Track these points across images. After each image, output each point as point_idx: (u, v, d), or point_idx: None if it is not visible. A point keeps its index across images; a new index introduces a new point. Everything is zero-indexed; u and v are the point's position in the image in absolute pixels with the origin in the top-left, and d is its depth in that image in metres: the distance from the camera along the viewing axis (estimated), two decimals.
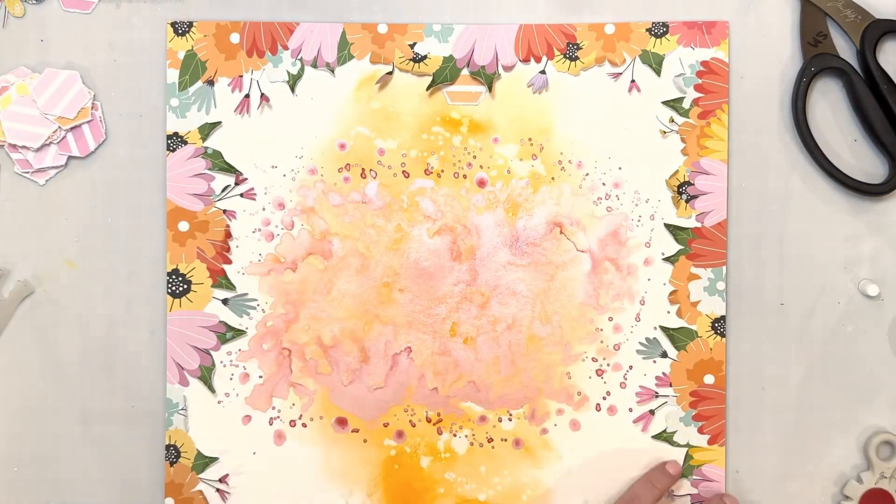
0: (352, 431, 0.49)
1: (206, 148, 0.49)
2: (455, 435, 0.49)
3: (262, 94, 0.49)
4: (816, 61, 0.49)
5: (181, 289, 0.49)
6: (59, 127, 0.49)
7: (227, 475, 0.49)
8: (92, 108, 0.49)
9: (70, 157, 0.50)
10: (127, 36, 0.50)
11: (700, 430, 0.49)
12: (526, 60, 0.49)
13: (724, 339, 0.49)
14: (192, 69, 0.49)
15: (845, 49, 0.49)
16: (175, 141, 0.49)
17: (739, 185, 0.49)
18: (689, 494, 0.49)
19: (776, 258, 0.49)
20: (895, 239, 0.49)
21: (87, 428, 0.50)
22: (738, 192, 0.49)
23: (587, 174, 0.49)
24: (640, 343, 0.49)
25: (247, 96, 0.49)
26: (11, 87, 0.49)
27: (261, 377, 0.49)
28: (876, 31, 0.48)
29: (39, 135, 0.49)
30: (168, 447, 0.49)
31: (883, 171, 0.49)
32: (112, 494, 0.50)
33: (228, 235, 0.49)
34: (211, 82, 0.49)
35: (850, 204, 0.49)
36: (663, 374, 0.49)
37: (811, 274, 0.49)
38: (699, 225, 0.49)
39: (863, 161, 0.49)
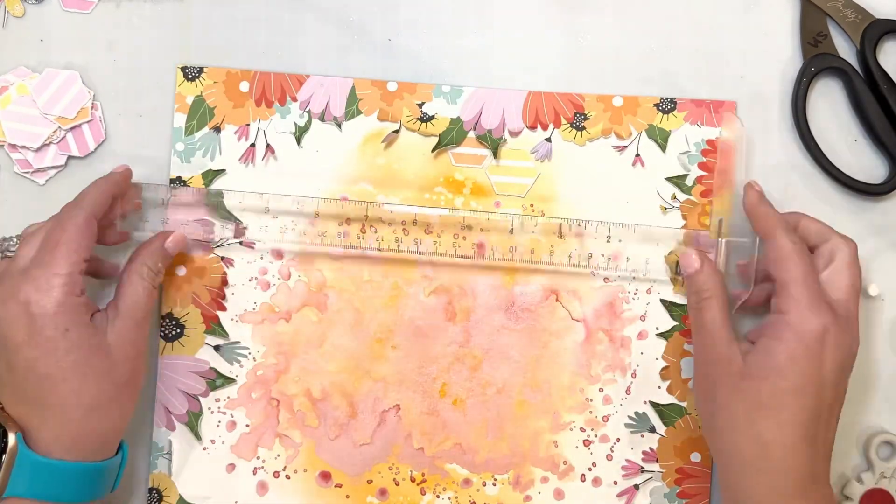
0: (335, 486, 0.49)
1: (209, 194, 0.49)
2: (438, 496, 0.49)
3: (268, 145, 0.49)
4: (816, 61, 0.49)
5: (174, 332, 0.49)
6: (59, 127, 0.49)
7: None
8: (92, 108, 0.49)
9: (70, 157, 0.50)
10: (127, 36, 0.50)
11: None
12: (533, 127, 0.49)
13: None
14: (199, 115, 0.49)
15: (845, 49, 0.49)
16: (177, 185, 0.49)
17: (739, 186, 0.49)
18: None
19: None
20: (895, 239, 0.49)
21: None
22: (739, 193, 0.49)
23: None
24: (629, 416, 0.49)
25: (252, 146, 0.50)
26: (11, 87, 0.49)
27: (247, 426, 0.49)
28: (876, 31, 0.49)
29: (39, 135, 0.49)
30: (151, 490, 0.49)
31: (883, 171, 0.49)
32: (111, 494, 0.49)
33: (225, 283, 0.49)
34: (217, 129, 0.50)
35: (850, 204, 0.49)
36: (650, 448, 0.49)
37: None
38: None
39: (863, 161, 0.49)
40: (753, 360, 0.42)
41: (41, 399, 0.41)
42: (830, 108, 0.50)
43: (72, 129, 0.49)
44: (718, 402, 0.43)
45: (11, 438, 0.40)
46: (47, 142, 0.49)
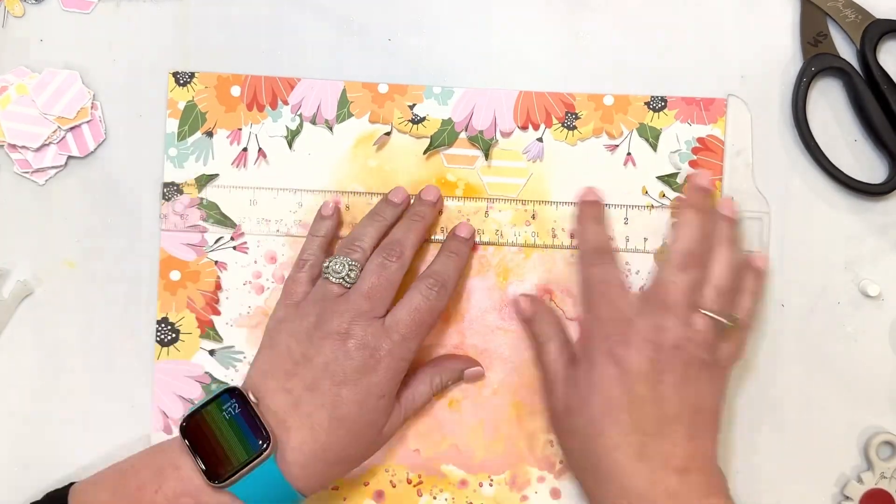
0: (332, 489, 0.49)
1: (203, 199, 0.50)
2: (435, 498, 0.49)
3: (260, 149, 0.50)
4: (816, 61, 0.49)
5: (169, 338, 0.49)
6: (59, 127, 0.49)
7: None
8: (91, 107, 0.50)
9: (70, 157, 0.50)
10: (127, 36, 0.50)
11: None
12: (524, 128, 0.49)
13: None
14: (191, 120, 0.50)
15: (845, 49, 0.49)
16: (171, 190, 0.49)
17: (739, 187, 0.49)
18: None
19: (776, 258, 0.49)
20: (895, 239, 0.49)
21: (87, 428, 0.50)
22: (738, 193, 0.49)
23: None
24: None
25: (245, 150, 0.50)
26: (11, 86, 0.49)
27: None
28: (876, 31, 0.49)
29: (39, 135, 0.49)
30: None
31: (883, 171, 0.49)
32: None
33: (219, 287, 0.50)
34: (210, 134, 0.50)
35: (850, 204, 0.49)
36: None
37: (811, 274, 0.49)
38: None
39: (863, 161, 0.49)
40: (568, 393, 0.44)
41: (323, 434, 0.42)
42: (830, 108, 0.50)
43: (71, 129, 0.50)
44: (560, 445, 0.46)
45: (269, 447, 0.41)
46: (47, 142, 0.49)
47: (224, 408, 0.42)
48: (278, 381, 0.43)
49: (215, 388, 0.48)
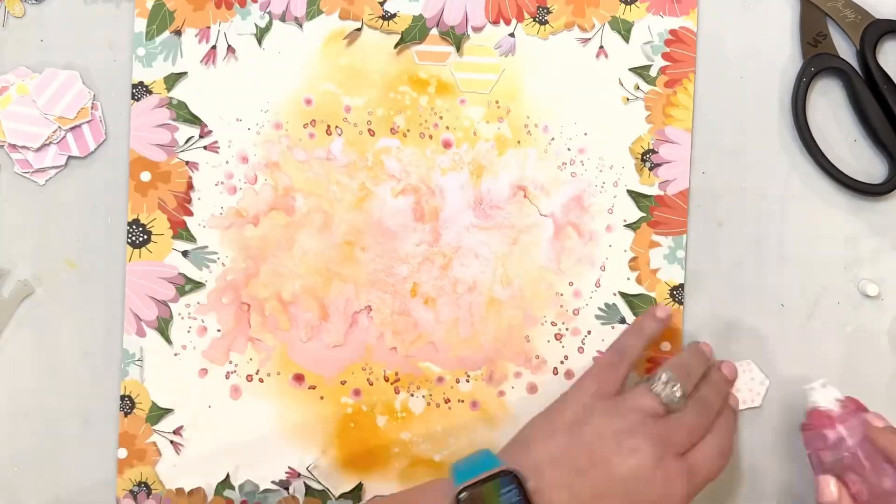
0: (308, 388, 0.49)
1: (171, 98, 0.49)
2: (412, 395, 0.49)
3: (229, 46, 0.49)
4: (816, 61, 0.49)
5: (141, 239, 0.49)
6: (59, 127, 0.49)
7: (181, 427, 0.49)
8: (92, 108, 0.49)
9: (70, 157, 0.49)
10: (127, 36, 0.50)
11: None
12: (496, 23, 0.49)
13: (681, 307, 0.49)
14: (159, 19, 0.49)
15: (845, 49, 0.49)
16: (140, 90, 0.49)
17: (739, 186, 0.49)
18: None
19: (776, 258, 0.49)
20: (895, 239, 0.50)
21: (87, 428, 0.49)
22: (739, 193, 0.49)
23: (553, 139, 0.49)
24: (600, 308, 0.49)
25: (213, 48, 0.49)
26: (11, 87, 0.49)
27: (219, 331, 0.49)
28: (876, 31, 0.49)
29: (39, 135, 0.49)
30: (123, 397, 0.49)
31: (883, 171, 0.50)
32: (111, 495, 0.49)
33: (190, 187, 0.49)
34: (178, 32, 0.49)
35: (850, 204, 0.49)
36: None
37: (811, 274, 0.49)
38: (662, 193, 0.49)
39: (863, 161, 0.50)
40: None
41: None
42: (830, 108, 0.50)
43: (72, 129, 0.49)
44: None
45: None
46: (47, 142, 0.49)
47: (503, 493, 0.40)
48: (567, 474, 0.41)
49: (483, 460, 0.43)
